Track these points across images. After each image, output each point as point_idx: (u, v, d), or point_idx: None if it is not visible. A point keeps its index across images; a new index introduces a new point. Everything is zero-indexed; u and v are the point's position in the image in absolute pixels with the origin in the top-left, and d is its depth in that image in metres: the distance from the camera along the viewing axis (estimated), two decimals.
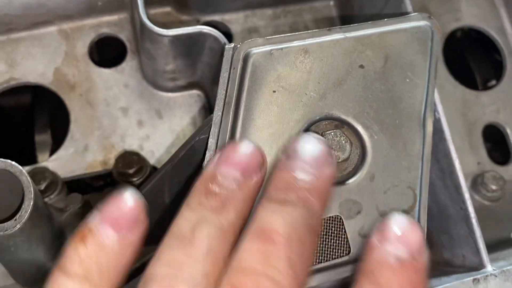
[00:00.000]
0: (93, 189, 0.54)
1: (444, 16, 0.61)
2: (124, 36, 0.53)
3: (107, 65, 0.52)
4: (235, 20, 0.56)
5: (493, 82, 0.65)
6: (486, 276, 0.39)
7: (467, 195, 0.41)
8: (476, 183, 0.55)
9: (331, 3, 0.58)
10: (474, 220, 0.41)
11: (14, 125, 0.60)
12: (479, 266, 0.41)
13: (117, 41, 0.53)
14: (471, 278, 0.39)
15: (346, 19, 0.56)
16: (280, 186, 0.29)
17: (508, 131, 0.59)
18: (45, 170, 0.46)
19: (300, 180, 0.29)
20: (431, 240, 0.47)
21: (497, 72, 0.64)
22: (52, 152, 0.54)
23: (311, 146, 0.30)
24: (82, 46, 0.52)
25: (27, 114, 0.58)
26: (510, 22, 0.62)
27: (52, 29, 0.51)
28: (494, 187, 0.54)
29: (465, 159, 0.57)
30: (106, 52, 0.53)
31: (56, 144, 0.55)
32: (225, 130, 0.35)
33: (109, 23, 0.52)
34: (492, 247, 0.44)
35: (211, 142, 0.35)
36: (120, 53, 0.53)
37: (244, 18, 0.56)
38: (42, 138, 0.55)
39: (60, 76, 0.51)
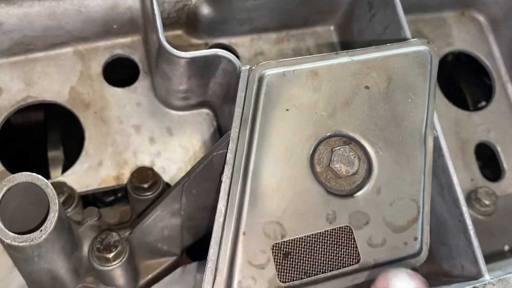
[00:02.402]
0: (104, 204, 0.56)
1: (436, 41, 0.65)
2: (137, 57, 0.55)
3: (120, 84, 0.54)
4: (241, 43, 0.59)
5: (483, 103, 0.69)
6: (485, 284, 0.41)
7: (465, 208, 0.44)
8: (470, 198, 0.58)
9: (332, 28, 0.61)
10: (472, 232, 0.44)
11: (27, 142, 0.61)
12: (477, 276, 0.43)
13: (130, 62, 0.55)
14: (471, 286, 0.41)
15: (346, 43, 0.60)
16: None
17: (499, 149, 0.62)
18: (63, 184, 0.47)
19: None
20: (431, 252, 0.49)
21: (486, 94, 0.68)
22: (65, 168, 0.56)
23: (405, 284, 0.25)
24: (97, 66, 0.54)
25: (40, 132, 0.60)
26: (498, 47, 0.66)
27: (68, 49, 0.54)
28: (487, 202, 0.57)
29: (459, 176, 0.58)
30: (119, 73, 0.55)
31: (68, 161, 0.57)
32: (242, 146, 0.37)
33: (122, 44, 0.55)
34: (487, 259, 0.46)
35: (229, 157, 0.37)
36: (133, 73, 0.55)
37: (250, 41, 0.59)
38: (55, 154, 0.57)
39: (75, 95, 0.53)
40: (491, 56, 0.66)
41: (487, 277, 0.43)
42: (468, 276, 0.45)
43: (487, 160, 0.63)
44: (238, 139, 0.37)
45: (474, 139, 0.62)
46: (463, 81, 0.70)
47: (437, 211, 0.47)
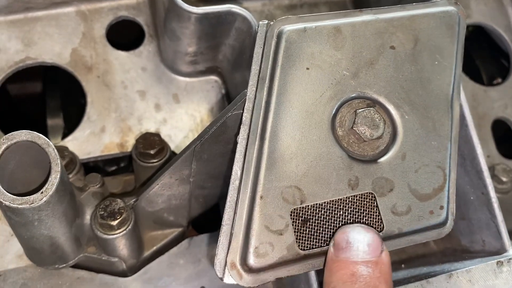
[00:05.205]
0: (106, 174, 0.53)
1: None
2: (142, 19, 0.52)
3: (124, 48, 0.52)
4: (252, 8, 0.56)
5: (499, 80, 0.66)
6: (510, 259, 0.39)
7: (489, 180, 0.42)
8: None
9: None
10: (496, 205, 0.41)
11: (26, 109, 0.59)
12: (501, 250, 0.41)
13: (135, 25, 0.52)
14: (495, 261, 0.39)
15: None
16: (345, 279, 0.30)
17: None
18: (64, 148, 0.45)
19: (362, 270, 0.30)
20: None
21: (502, 70, 0.65)
22: (64, 136, 0.53)
23: (362, 236, 0.32)
24: (100, 28, 0.51)
25: (38, 99, 0.57)
26: None
27: (70, 9, 0.51)
28: (504, 179, 0.55)
29: None
30: (124, 35, 0.53)
31: (68, 128, 0.54)
32: (259, 106, 0.35)
33: (127, 6, 0.52)
34: None
35: (246, 116, 0.35)
36: (138, 36, 0.52)
37: (262, 6, 0.56)
38: (55, 121, 0.54)
39: (77, 57, 0.50)
40: (509, 30, 0.63)
41: (511, 251, 0.41)
42: (490, 251, 0.43)
43: (503, 136, 0.61)
44: (255, 98, 0.35)
45: (491, 115, 0.60)
46: (478, 56, 0.68)
47: (458, 184, 0.45)
